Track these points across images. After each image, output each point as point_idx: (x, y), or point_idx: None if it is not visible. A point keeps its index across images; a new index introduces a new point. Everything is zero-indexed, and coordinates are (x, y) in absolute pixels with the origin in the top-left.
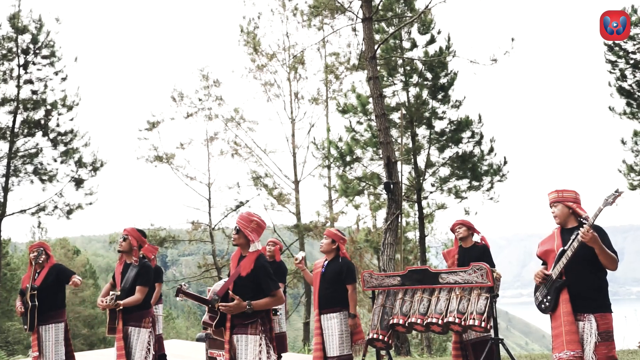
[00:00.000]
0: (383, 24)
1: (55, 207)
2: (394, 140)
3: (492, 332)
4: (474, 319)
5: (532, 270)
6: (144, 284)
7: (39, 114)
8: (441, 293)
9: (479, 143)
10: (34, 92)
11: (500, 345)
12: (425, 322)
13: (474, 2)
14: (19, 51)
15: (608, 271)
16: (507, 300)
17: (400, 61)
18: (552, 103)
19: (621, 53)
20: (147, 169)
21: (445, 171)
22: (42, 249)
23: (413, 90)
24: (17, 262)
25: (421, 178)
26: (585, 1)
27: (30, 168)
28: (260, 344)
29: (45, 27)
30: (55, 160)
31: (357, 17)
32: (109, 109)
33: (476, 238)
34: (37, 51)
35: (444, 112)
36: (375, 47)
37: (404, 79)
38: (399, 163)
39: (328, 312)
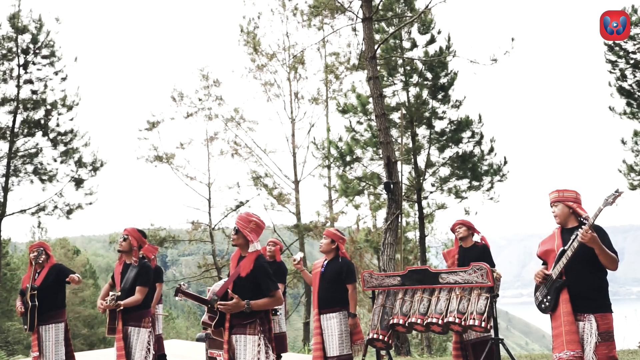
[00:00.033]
0: (383, 24)
1: (55, 207)
2: (394, 140)
3: (492, 332)
4: (474, 319)
5: (532, 270)
6: (144, 284)
7: (39, 114)
8: (441, 293)
9: (479, 143)
10: (33, 92)
11: (501, 345)
12: (425, 322)
13: (474, 2)
14: (19, 51)
15: (608, 271)
16: (507, 300)
17: (400, 61)
18: (552, 103)
19: (621, 53)
20: (147, 169)
21: (445, 171)
22: (42, 249)
23: (413, 90)
24: (17, 262)
25: (421, 178)
26: (585, 1)
27: (30, 168)
28: (259, 344)
29: (45, 27)
30: (55, 160)
31: (357, 17)
32: (109, 109)
33: (476, 238)
34: (37, 51)
35: (444, 112)
36: (375, 47)
37: (404, 79)
38: (399, 163)
39: (328, 312)
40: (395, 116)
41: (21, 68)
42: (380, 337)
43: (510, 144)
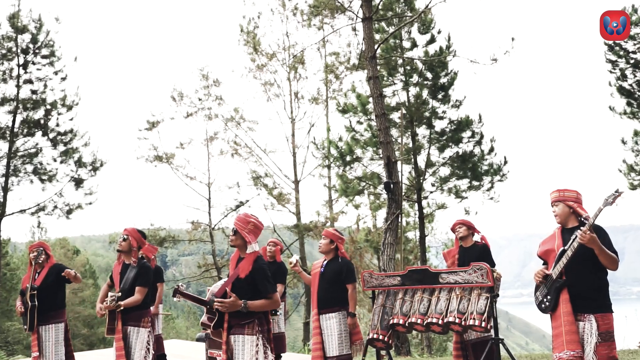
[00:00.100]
0: (383, 24)
1: (55, 207)
2: (394, 140)
3: (492, 332)
4: (474, 319)
5: (533, 270)
6: (144, 284)
7: (39, 114)
8: (441, 293)
9: (479, 143)
10: (33, 92)
11: (501, 345)
12: (425, 322)
13: (474, 2)
14: (19, 51)
15: (608, 271)
16: (507, 300)
17: (400, 61)
18: (552, 103)
19: (621, 53)
20: (147, 169)
21: (445, 171)
22: (41, 248)
23: (413, 90)
24: (16, 262)
25: (421, 178)
26: (585, 1)
27: (30, 168)
28: (257, 344)
29: (45, 27)
30: (55, 160)
31: (357, 16)
32: (108, 108)
33: (476, 238)
34: (37, 51)
35: (444, 112)
36: (375, 46)
37: (404, 79)
38: (399, 163)
39: (327, 312)
40: (395, 116)
41: (21, 68)
42: (380, 337)
43: (510, 144)
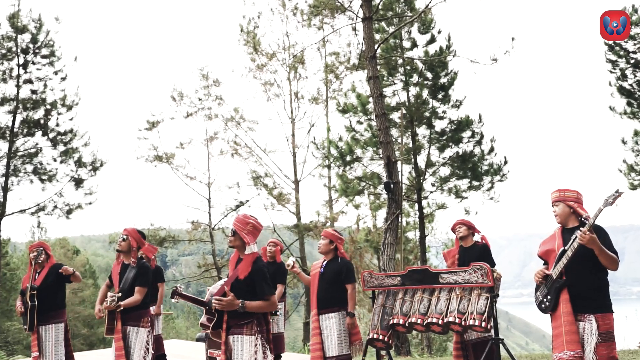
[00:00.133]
0: (383, 24)
1: (55, 206)
2: (394, 140)
3: (492, 332)
4: (474, 319)
5: (533, 270)
6: (143, 284)
7: (39, 114)
8: (441, 293)
9: (479, 143)
10: (33, 92)
11: (501, 345)
12: (425, 322)
13: (474, 2)
14: (19, 51)
15: (609, 271)
16: (507, 300)
17: (400, 61)
18: (553, 103)
19: (622, 52)
20: (147, 169)
21: (445, 171)
22: (41, 248)
23: (413, 90)
24: (16, 262)
25: (421, 178)
26: (585, 1)
27: (29, 168)
28: (255, 344)
29: (45, 27)
30: (54, 160)
31: (357, 16)
32: (108, 108)
33: (477, 237)
34: (37, 51)
35: (444, 112)
36: (376, 46)
37: (404, 79)
38: (399, 163)
39: (327, 312)
40: (396, 116)
41: (21, 68)
42: (381, 337)
43: (511, 144)
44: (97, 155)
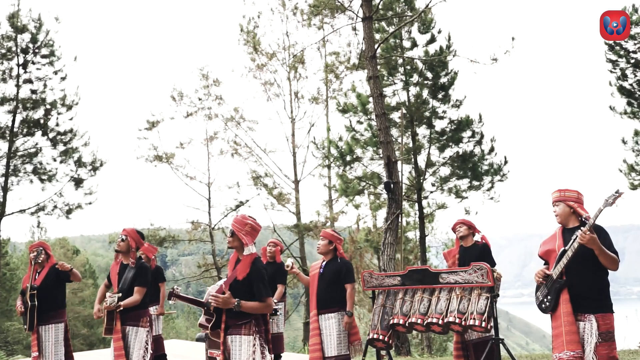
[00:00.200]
0: (383, 23)
1: (55, 206)
2: (394, 139)
3: (492, 332)
4: (474, 319)
5: (533, 270)
6: (142, 284)
7: (39, 114)
8: (441, 293)
9: (479, 143)
10: (33, 92)
11: (501, 345)
12: (425, 322)
13: (474, 2)
14: (19, 50)
15: (609, 271)
16: (507, 300)
17: (400, 60)
18: (553, 103)
19: (622, 52)
20: (147, 169)
21: (445, 171)
22: (41, 248)
23: (413, 90)
24: (16, 262)
25: (421, 178)
26: (585, 1)
27: (29, 167)
28: (254, 344)
29: (45, 27)
30: (54, 160)
31: (357, 16)
32: (108, 108)
33: (477, 237)
34: (37, 50)
35: (444, 112)
36: (376, 46)
37: (404, 79)
38: (399, 163)
39: (326, 312)
40: (396, 116)
41: (20, 67)
42: (381, 337)
43: (511, 143)
44: (97, 155)
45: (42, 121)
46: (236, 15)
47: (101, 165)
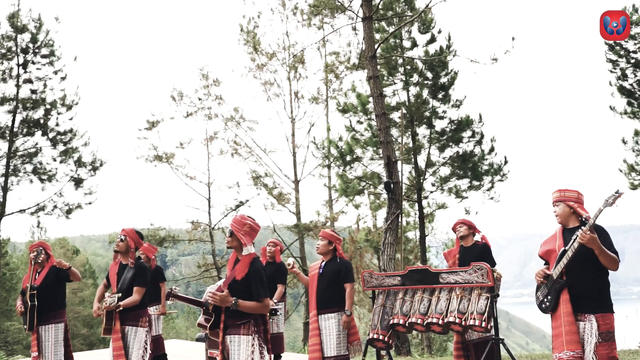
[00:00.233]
0: (383, 23)
1: (55, 206)
2: (394, 139)
3: (492, 332)
4: (474, 319)
5: (533, 270)
6: (142, 284)
7: (39, 114)
8: (441, 293)
9: (479, 142)
10: (33, 92)
11: (501, 345)
12: (425, 322)
13: (474, 2)
14: (18, 50)
15: (609, 271)
16: (507, 300)
17: (400, 60)
18: (553, 102)
19: (622, 52)
20: (147, 169)
21: (445, 171)
22: (41, 248)
23: (413, 90)
24: (16, 262)
25: (421, 177)
26: (585, 1)
27: (29, 167)
28: (252, 344)
29: (45, 26)
30: (54, 160)
31: (357, 16)
32: (108, 108)
33: (477, 237)
34: (37, 50)
35: (444, 112)
36: (376, 46)
37: (404, 78)
38: (399, 162)
39: (326, 312)
40: (396, 116)
41: (20, 67)
42: (381, 337)
43: (511, 143)
44: (97, 155)
45: (42, 121)
46: (236, 15)
47: (101, 165)
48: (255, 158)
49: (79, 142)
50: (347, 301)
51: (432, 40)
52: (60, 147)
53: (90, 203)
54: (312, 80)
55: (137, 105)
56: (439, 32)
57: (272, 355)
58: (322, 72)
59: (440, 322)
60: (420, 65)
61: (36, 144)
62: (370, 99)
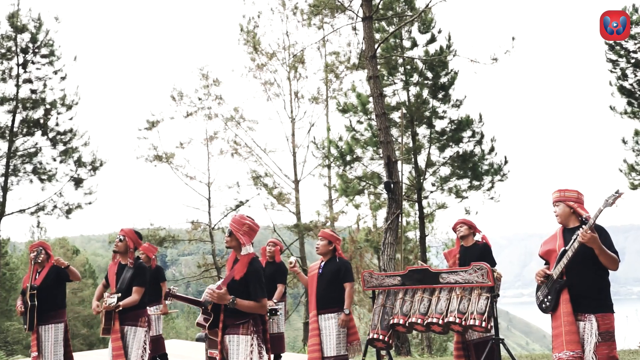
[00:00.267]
0: (383, 23)
1: (55, 206)
2: (394, 139)
3: (492, 332)
4: (474, 319)
5: (533, 270)
6: (141, 284)
7: (38, 113)
8: (442, 293)
9: (479, 142)
10: (33, 92)
11: (501, 345)
12: (425, 322)
13: (474, 2)
14: (18, 50)
15: (609, 271)
16: (507, 300)
17: (400, 60)
18: (553, 102)
19: (622, 52)
20: (147, 169)
21: (445, 171)
22: (41, 248)
23: (413, 90)
24: (16, 262)
25: (421, 177)
26: (585, 1)
27: (29, 167)
28: (251, 344)
29: (45, 26)
30: (54, 160)
31: (357, 16)
32: (108, 108)
33: (477, 237)
34: (36, 50)
35: (444, 112)
36: (376, 46)
37: (404, 78)
38: (399, 162)
39: (326, 312)
40: (396, 115)
41: (20, 67)
42: (381, 337)
43: (511, 143)
44: (97, 155)
45: (42, 121)
46: (236, 15)
47: (101, 165)
48: (255, 158)
49: (79, 142)
50: (347, 300)
51: (432, 40)
52: (60, 147)
53: (90, 203)
54: (312, 80)
55: (137, 105)
56: (439, 32)
57: (273, 355)
58: (322, 72)
59: (441, 322)
60: (420, 65)
61: (36, 143)
62: (370, 99)
